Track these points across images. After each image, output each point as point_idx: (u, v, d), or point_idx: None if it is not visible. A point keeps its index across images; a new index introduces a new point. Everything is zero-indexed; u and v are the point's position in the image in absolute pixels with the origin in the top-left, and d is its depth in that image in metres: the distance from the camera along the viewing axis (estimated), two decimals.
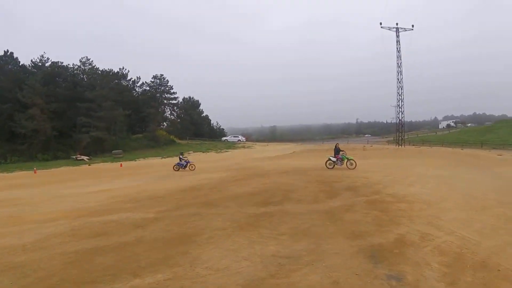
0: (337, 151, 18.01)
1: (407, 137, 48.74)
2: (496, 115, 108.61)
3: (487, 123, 79.22)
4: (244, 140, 54.35)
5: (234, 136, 56.41)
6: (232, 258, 5.31)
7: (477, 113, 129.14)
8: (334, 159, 17.78)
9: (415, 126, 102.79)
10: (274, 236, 6.40)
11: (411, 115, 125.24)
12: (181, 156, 21.07)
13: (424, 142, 46.40)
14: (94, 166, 32.05)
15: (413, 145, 42.81)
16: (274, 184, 12.49)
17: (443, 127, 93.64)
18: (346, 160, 17.64)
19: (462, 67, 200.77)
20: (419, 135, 62.96)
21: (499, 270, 5.24)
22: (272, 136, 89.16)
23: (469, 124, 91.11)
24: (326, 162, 18.07)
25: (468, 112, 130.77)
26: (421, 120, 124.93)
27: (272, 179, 13.79)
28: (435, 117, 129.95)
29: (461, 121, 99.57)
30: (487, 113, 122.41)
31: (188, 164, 20.21)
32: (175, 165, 20.43)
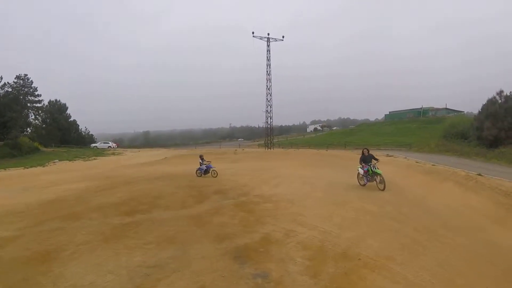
0: (366, 159, 14.34)
1: (276, 140, 57.54)
2: (359, 119, 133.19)
3: (350, 126, 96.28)
4: (115, 147, 57.89)
5: (104, 143, 59.93)
6: (97, 273, 5.65)
7: (342, 117, 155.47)
8: (362, 172, 14.34)
9: (285, 130, 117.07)
10: (141, 246, 6.94)
11: (281, 120, 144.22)
12: (200, 161, 19.04)
13: (292, 145, 54.83)
14: None
15: (282, 148, 50.04)
16: (142, 191, 13.30)
17: (311, 130, 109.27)
18: (374, 175, 13.89)
19: (330, 77, 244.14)
20: (288, 139, 73.43)
21: (359, 259, 6.38)
22: (145, 141, 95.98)
23: (335, 128, 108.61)
24: (357, 177, 14.93)
25: (334, 117, 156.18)
26: (290, 124, 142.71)
27: (140, 187, 14.60)
28: (304, 122, 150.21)
29: (327, 125, 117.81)
30: (351, 118, 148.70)
31: (211, 170, 18.47)
32: (197, 170, 18.98)
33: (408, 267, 6.19)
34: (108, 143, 59.55)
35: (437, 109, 73.06)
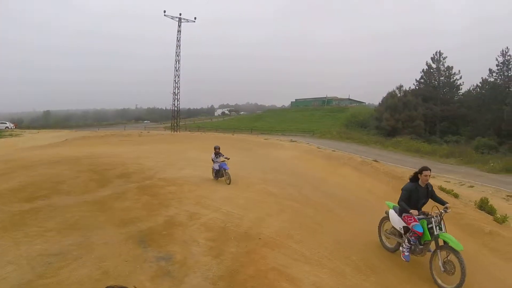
0: (419, 196, 6.60)
1: (184, 123, 58.58)
2: (267, 105, 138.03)
3: (258, 111, 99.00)
4: (13, 127, 54.90)
5: (1, 123, 55.88)
6: None
7: (250, 102, 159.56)
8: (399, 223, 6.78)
9: (193, 113, 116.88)
10: (41, 234, 6.77)
11: (190, 103, 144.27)
12: (213, 156, 12.96)
13: (199, 128, 55.71)
14: None
15: (189, 131, 50.50)
16: (42, 176, 12.43)
17: (219, 114, 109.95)
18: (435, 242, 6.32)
19: (243, 64, 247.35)
20: (195, 122, 74.10)
21: (260, 238, 6.89)
22: (46, 122, 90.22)
23: (242, 112, 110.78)
24: (380, 230, 7.66)
25: (242, 102, 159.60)
26: (199, 107, 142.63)
27: (40, 171, 13.56)
28: (212, 105, 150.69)
29: (235, 110, 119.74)
30: (259, 103, 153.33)
31: (224, 172, 12.35)
32: (212, 170, 13.20)
33: (306, 244, 6.85)
34: (6, 123, 55.50)
35: (341, 99, 78.63)
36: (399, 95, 45.45)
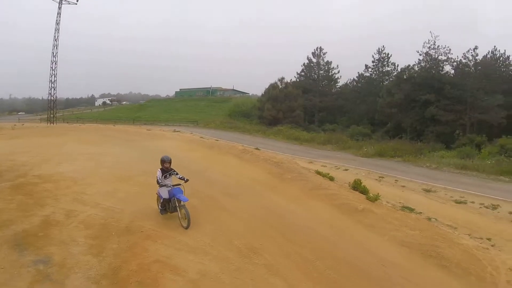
0: None
1: (62, 114, 55.16)
2: (151, 94, 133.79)
3: (141, 101, 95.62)
4: None
5: None
6: None
7: (133, 92, 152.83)
8: None
9: (72, 103, 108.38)
10: None
11: (69, 92, 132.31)
12: (159, 175, 8.27)
13: (78, 119, 53.11)
14: None
15: (67, 122, 47.39)
16: None
17: (99, 104, 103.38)
18: None
19: (123, 48, 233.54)
20: (74, 112, 69.65)
21: (142, 231, 6.98)
22: None
23: (124, 102, 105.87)
24: None
25: (125, 91, 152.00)
26: (78, 97, 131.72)
27: None
28: (92, 95, 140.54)
29: (117, 99, 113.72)
30: (142, 93, 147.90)
31: (179, 206, 7.73)
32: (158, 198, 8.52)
33: (189, 234, 7.12)
34: None
35: (225, 90, 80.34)
36: (280, 86, 48.04)
